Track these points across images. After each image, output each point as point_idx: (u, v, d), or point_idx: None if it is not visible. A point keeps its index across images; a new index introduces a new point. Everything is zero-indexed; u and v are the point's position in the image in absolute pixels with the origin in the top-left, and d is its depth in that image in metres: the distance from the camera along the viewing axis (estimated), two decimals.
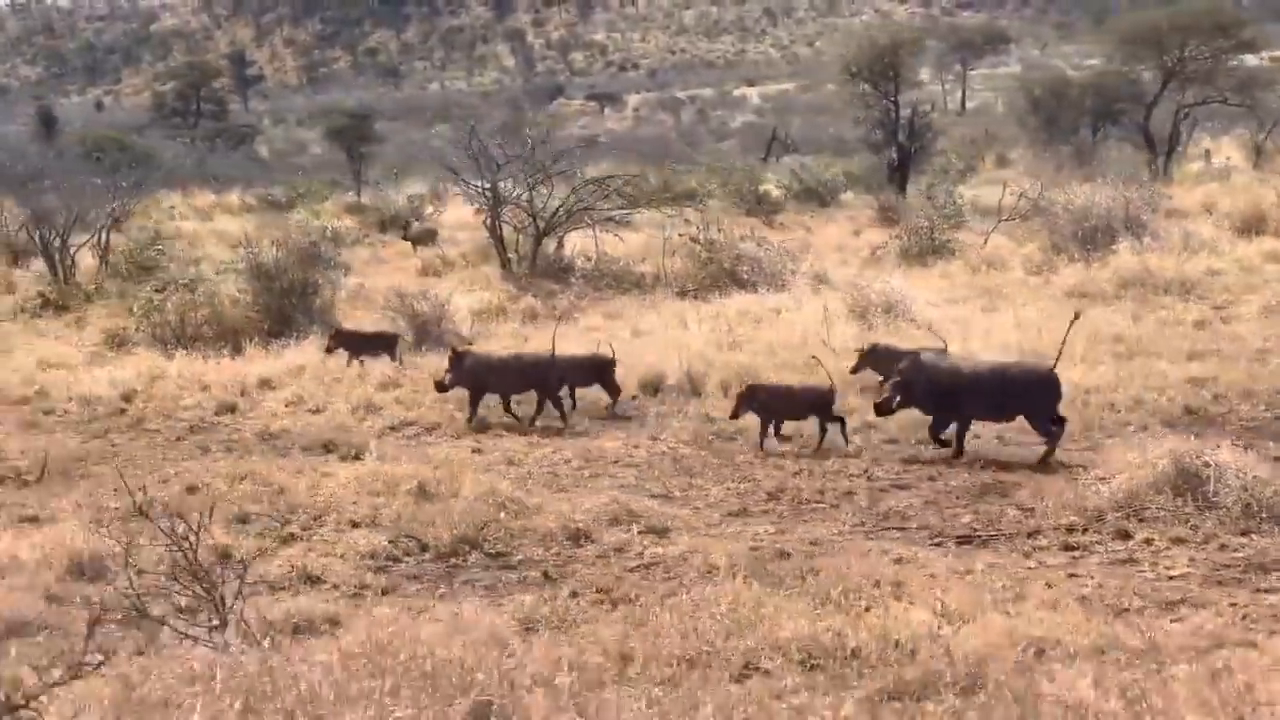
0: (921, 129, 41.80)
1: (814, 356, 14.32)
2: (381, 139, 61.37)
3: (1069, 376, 14.48)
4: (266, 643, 7.20)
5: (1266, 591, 8.65)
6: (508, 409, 14.87)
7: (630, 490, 11.68)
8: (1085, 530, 9.92)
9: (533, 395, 14.84)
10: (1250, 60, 45.54)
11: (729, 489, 11.79)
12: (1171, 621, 8.04)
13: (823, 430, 12.99)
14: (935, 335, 15.16)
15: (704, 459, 12.81)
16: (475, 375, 14.74)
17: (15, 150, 45.63)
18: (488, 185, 24.68)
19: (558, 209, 24.37)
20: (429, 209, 37.36)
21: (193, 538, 7.21)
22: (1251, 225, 26.67)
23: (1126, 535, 9.79)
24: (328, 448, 13.67)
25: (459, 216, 36.06)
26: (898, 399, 12.66)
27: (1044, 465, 11.92)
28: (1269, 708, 6.57)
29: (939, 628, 7.64)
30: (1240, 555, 9.33)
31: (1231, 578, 8.93)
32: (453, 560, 10.01)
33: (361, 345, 17.75)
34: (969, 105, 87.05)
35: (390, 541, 10.23)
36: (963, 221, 29.16)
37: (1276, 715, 6.53)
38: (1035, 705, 6.59)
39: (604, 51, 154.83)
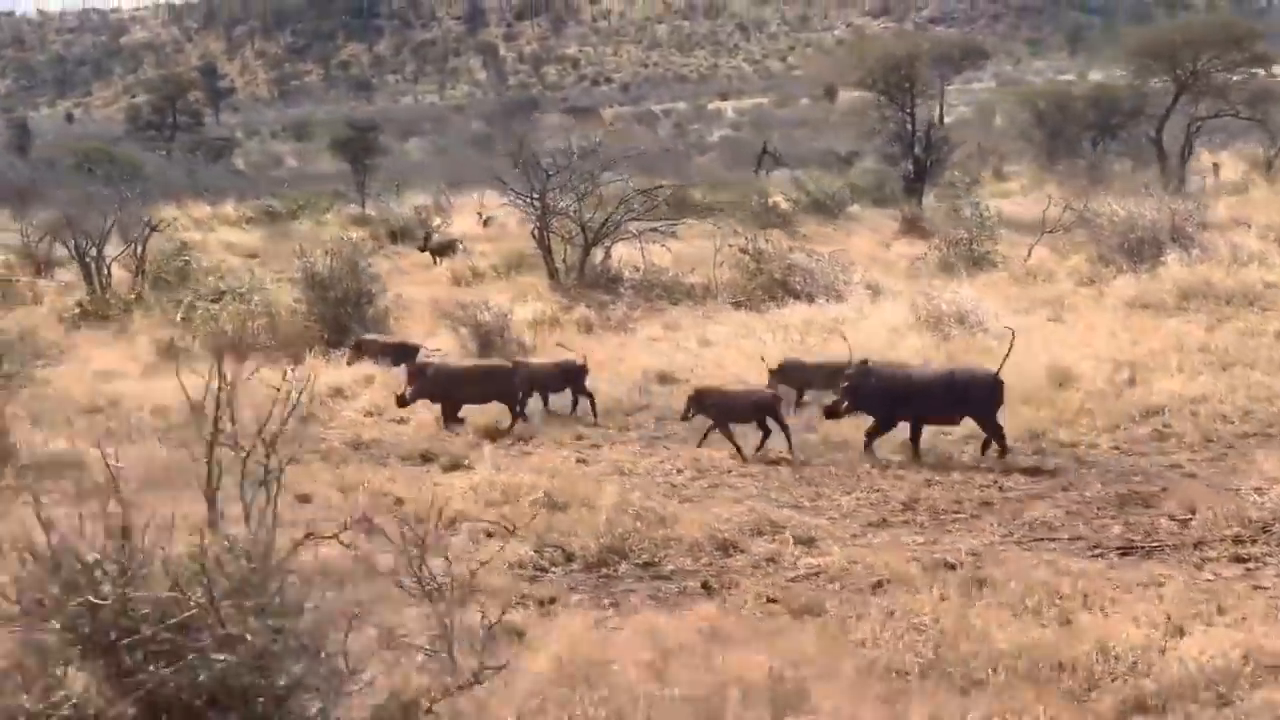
0: (938, 141, 41.77)
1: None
2: (386, 151, 60.85)
3: (1168, 387, 14.51)
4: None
5: None
6: (451, 418, 14.80)
7: (759, 500, 11.45)
8: (1254, 541, 9.75)
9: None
10: (1261, 74, 45.65)
11: (859, 499, 11.58)
12: None
13: (765, 433, 13.19)
14: (845, 346, 14.80)
15: (824, 469, 12.59)
16: (439, 386, 14.83)
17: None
18: (536, 195, 24.42)
19: (606, 219, 24.10)
20: (436, 220, 37.19)
21: (416, 548, 6.95)
22: None
23: None
24: (425, 457, 13.46)
25: (465, 228, 36.11)
26: (846, 404, 13.12)
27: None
28: None
29: (1163, 641, 7.43)
30: None
31: None
32: (603, 570, 9.78)
33: (383, 355, 17.60)
34: (946, 120, 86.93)
35: (536, 551, 9.98)
36: (996, 233, 28.97)
37: None
38: None
39: (576, 65, 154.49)
